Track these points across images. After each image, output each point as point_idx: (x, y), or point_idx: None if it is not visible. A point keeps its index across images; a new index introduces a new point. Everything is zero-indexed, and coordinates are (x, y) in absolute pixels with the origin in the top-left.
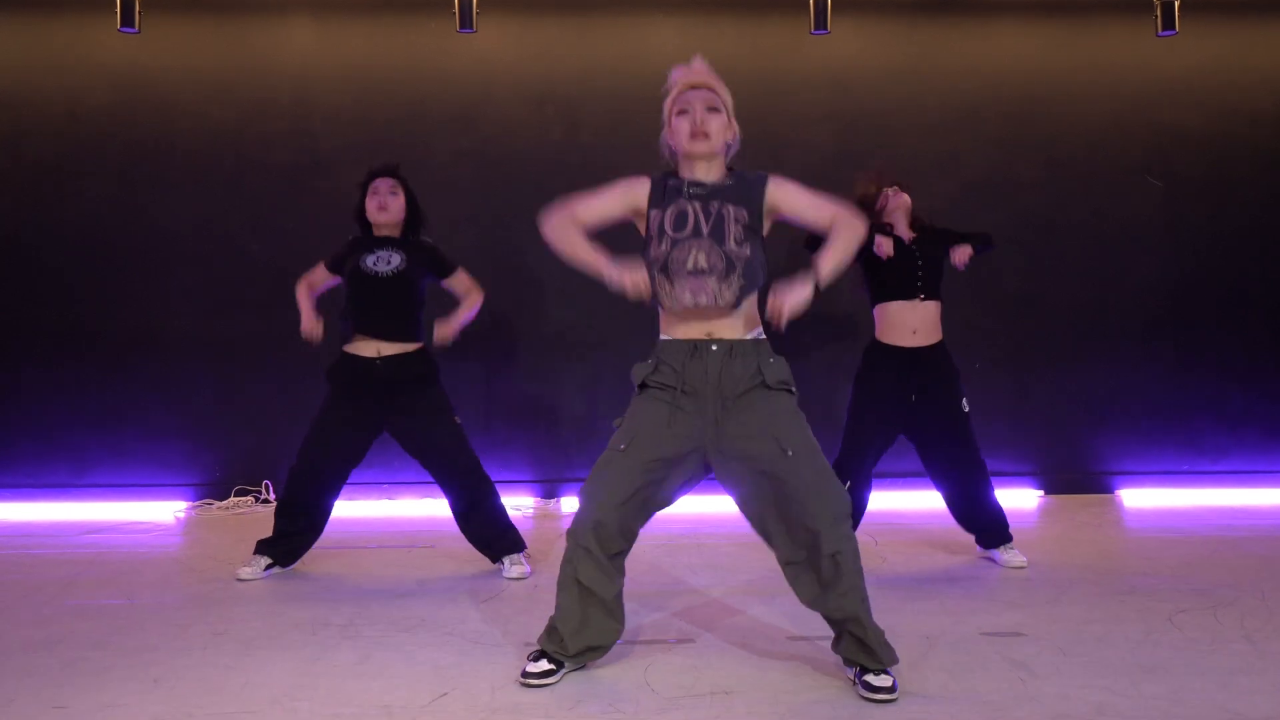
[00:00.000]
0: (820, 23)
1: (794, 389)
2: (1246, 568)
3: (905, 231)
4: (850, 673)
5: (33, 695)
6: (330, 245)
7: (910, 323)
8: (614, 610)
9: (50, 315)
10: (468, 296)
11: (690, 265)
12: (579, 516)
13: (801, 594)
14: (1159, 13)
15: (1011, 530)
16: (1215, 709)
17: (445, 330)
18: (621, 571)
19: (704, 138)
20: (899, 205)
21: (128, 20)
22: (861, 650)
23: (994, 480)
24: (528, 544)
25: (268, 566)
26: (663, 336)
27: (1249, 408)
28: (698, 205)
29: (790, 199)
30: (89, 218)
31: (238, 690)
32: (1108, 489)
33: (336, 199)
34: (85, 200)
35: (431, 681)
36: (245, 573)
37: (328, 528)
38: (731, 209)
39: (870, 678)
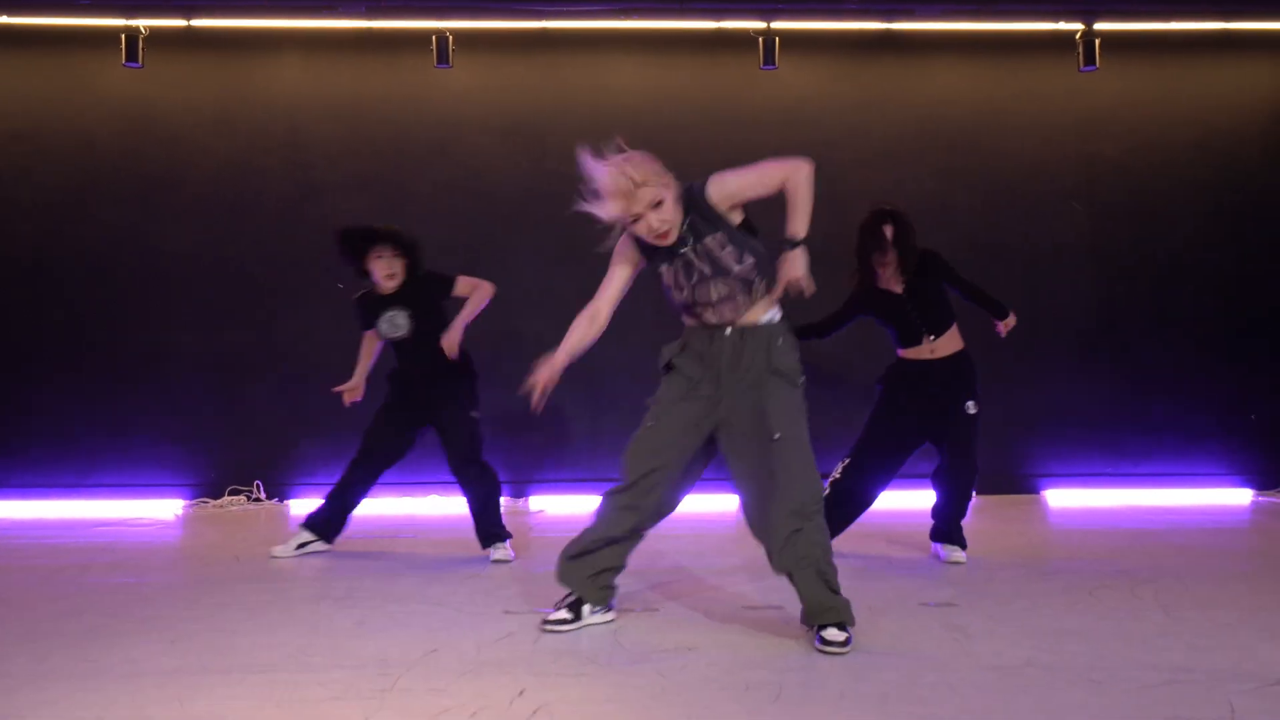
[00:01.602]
0: (769, 59)
1: (798, 380)
2: (1163, 553)
3: (894, 284)
4: (811, 630)
5: (64, 653)
6: (321, 268)
7: (923, 353)
8: (622, 550)
9: (65, 333)
10: (473, 295)
11: (714, 297)
12: (620, 482)
13: (769, 553)
14: (1080, 50)
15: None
16: (1131, 663)
17: (448, 342)
18: (632, 536)
19: (665, 238)
20: (885, 274)
21: (132, 56)
22: (819, 607)
23: (926, 481)
24: None
25: (302, 545)
26: (687, 323)
27: (1170, 416)
28: (689, 257)
29: (733, 188)
30: (101, 243)
31: (247, 649)
32: (1034, 490)
33: (328, 225)
34: (98, 227)
35: (423, 641)
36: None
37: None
38: (708, 241)
39: (826, 632)
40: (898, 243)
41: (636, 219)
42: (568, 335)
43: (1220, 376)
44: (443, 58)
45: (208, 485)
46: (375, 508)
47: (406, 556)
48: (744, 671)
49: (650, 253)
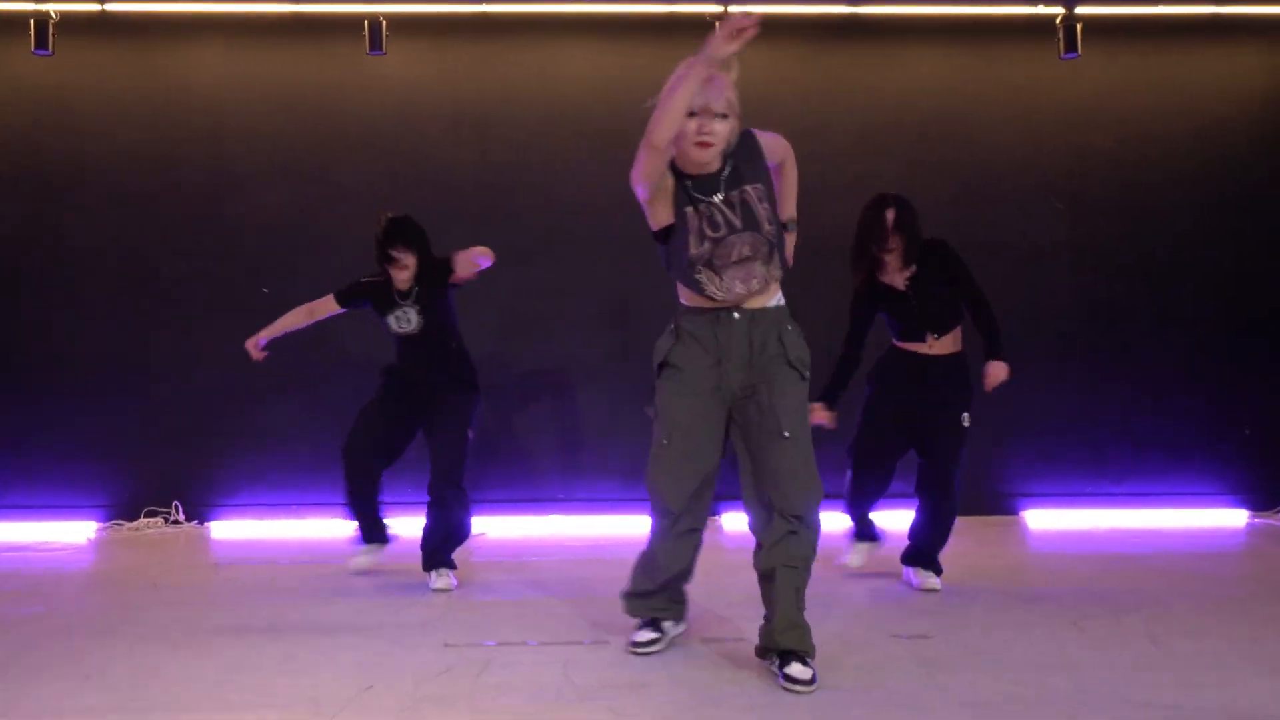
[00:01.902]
0: None
1: (807, 372)
2: (1151, 579)
3: (899, 279)
4: (772, 665)
5: None
6: (241, 267)
7: (920, 347)
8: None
9: None
10: (476, 260)
11: (735, 256)
12: (655, 511)
13: (758, 546)
14: (1061, 35)
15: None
16: (1118, 699)
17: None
18: (696, 547)
19: (708, 147)
20: (889, 264)
21: (41, 43)
22: (786, 623)
23: (900, 501)
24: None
25: (370, 551)
26: (684, 303)
27: (1158, 429)
28: (720, 206)
29: (771, 144)
30: (2, 240)
31: (167, 686)
32: (1012, 511)
33: (249, 222)
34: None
35: (356, 677)
36: (359, 563)
37: (239, 548)
38: (750, 190)
39: (790, 669)
40: (900, 228)
41: (701, 113)
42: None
43: (1213, 386)
44: (375, 44)
45: (122, 507)
46: (300, 530)
47: (335, 582)
48: (702, 710)
49: (683, 192)
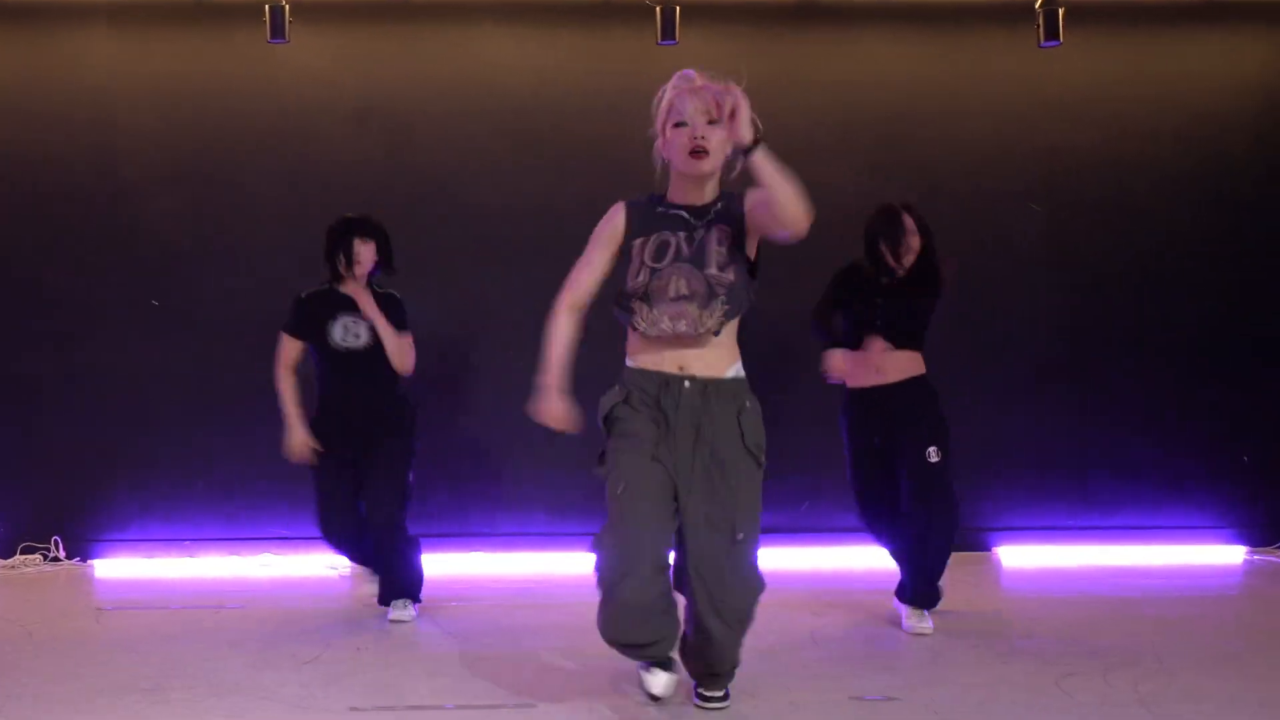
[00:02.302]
0: (668, 33)
1: (763, 458)
2: (1140, 629)
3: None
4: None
5: None
6: (131, 276)
7: (870, 376)
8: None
9: None
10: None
11: (672, 292)
12: (608, 571)
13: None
14: (1041, 21)
15: (877, 592)
16: None
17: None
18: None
19: (703, 156)
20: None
21: None
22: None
23: (862, 535)
24: (354, 601)
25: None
26: (630, 364)
27: (1147, 457)
28: (681, 235)
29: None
30: None
31: None
32: (984, 546)
33: (140, 226)
34: None
35: None
36: (400, 615)
37: (125, 589)
38: (715, 231)
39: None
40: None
41: (680, 123)
42: (549, 346)
43: (1209, 407)
44: (277, 31)
45: None
46: (195, 569)
47: (232, 632)
48: None
49: (637, 220)
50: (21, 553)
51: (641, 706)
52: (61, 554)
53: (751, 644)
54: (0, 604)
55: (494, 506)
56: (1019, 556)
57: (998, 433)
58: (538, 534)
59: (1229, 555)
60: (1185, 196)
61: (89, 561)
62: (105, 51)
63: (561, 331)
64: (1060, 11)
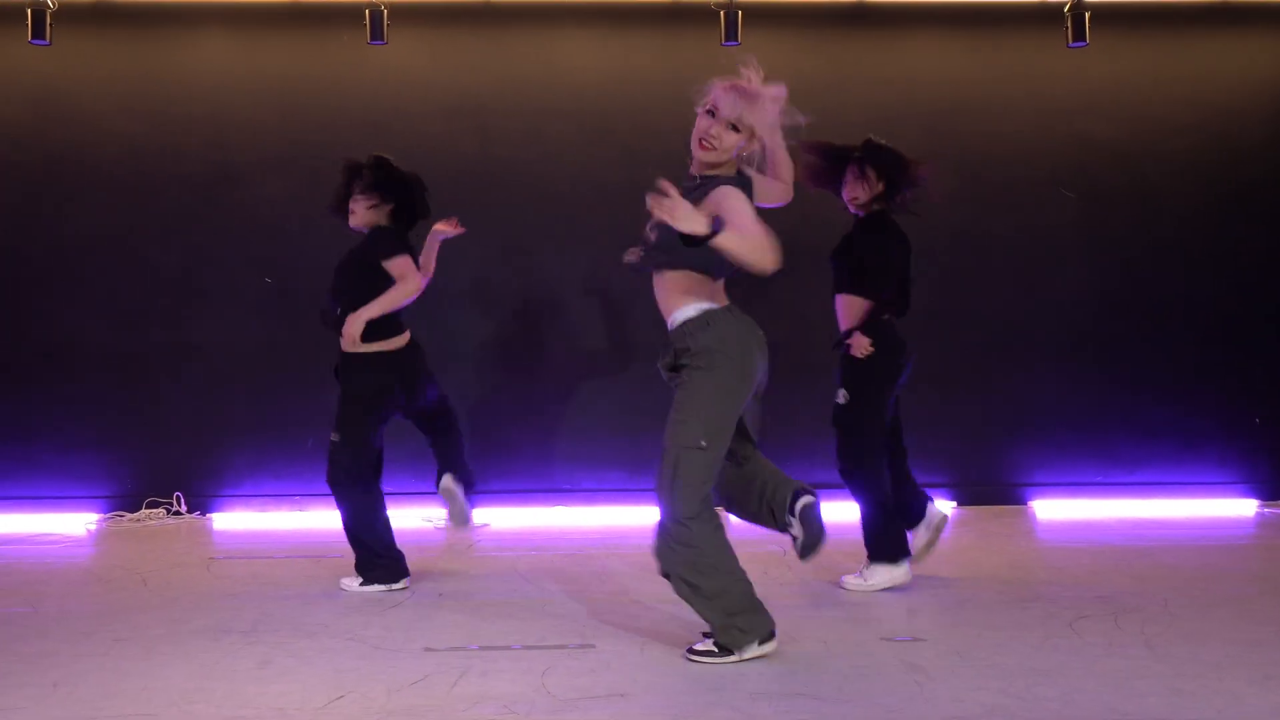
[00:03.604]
0: (731, 34)
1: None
2: (1153, 576)
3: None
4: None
5: None
6: (241, 257)
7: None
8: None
9: None
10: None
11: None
12: (689, 505)
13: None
14: (1069, 24)
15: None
16: (1105, 710)
17: (347, 330)
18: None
19: (708, 149)
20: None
21: (39, 32)
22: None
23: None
24: (443, 552)
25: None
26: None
27: (1167, 419)
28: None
29: (720, 209)
30: None
31: (135, 693)
32: (1021, 500)
33: (248, 211)
34: None
35: (329, 685)
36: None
37: (239, 540)
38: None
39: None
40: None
41: (709, 112)
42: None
43: (1223, 374)
44: (377, 33)
45: (124, 497)
46: (304, 521)
47: (327, 580)
48: None
49: None
50: (147, 507)
51: (689, 643)
52: (183, 508)
53: (798, 586)
54: (123, 554)
55: (576, 464)
56: (1051, 509)
57: (1032, 396)
58: (615, 489)
59: (1241, 508)
60: (1203, 184)
61: (208, 515)
62: (219, 53)
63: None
64: (1087, 15)
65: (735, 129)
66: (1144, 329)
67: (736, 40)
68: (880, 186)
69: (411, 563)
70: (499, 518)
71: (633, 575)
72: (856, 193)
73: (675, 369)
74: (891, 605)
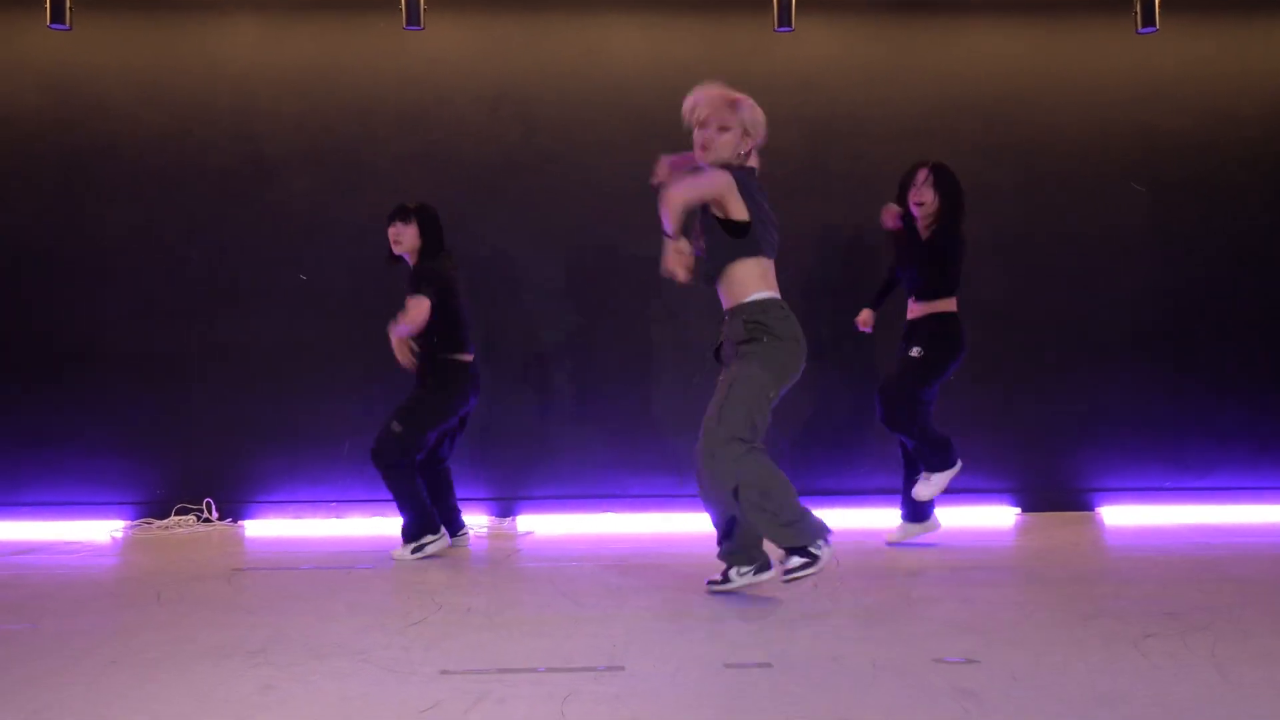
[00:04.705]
0: (784, 20)
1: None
2: (1224, 590)
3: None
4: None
5: None
6: (274, 255)
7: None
8: None
9: None
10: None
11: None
12: (742, 433)
13: None
14: (1138, 9)
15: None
16: None
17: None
18: None
19: (703, 152)
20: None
21: (58, 16)
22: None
23: (968, 496)
24: (481, 561)
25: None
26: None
27: (1240, 421)
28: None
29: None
30: (18, 226)
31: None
32: (1088, 506)
33: (279, 205)
34: (14, 207)
35: (334, 711)
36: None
37: (270, 548)
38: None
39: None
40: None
41: (701, 124)
42: None
43: None
44: (413, 18)
45: (153, 503)
46: (338, 529)
47: (353, 593)
48: None
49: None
50: (176, 514)
51: (727, 667)
52: (214, 515)
53: (850, 601)
54: (144, 563)
55: (623, 469)
56: (1120, 516)
57: (1099, 398)
58: (662, 496)
59: None
60: (1276, 176)
61: (240, 522)
62: (248, 39)
63: None
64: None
65: (725, 130)
66: (1215, 328)
67: (790, 26)
68: (937, 204)
69: (445, 575)
70: (543, 524)
71: (676, 588)
72: (924, 197)
73: (747, 340)
74: (945, 623)
